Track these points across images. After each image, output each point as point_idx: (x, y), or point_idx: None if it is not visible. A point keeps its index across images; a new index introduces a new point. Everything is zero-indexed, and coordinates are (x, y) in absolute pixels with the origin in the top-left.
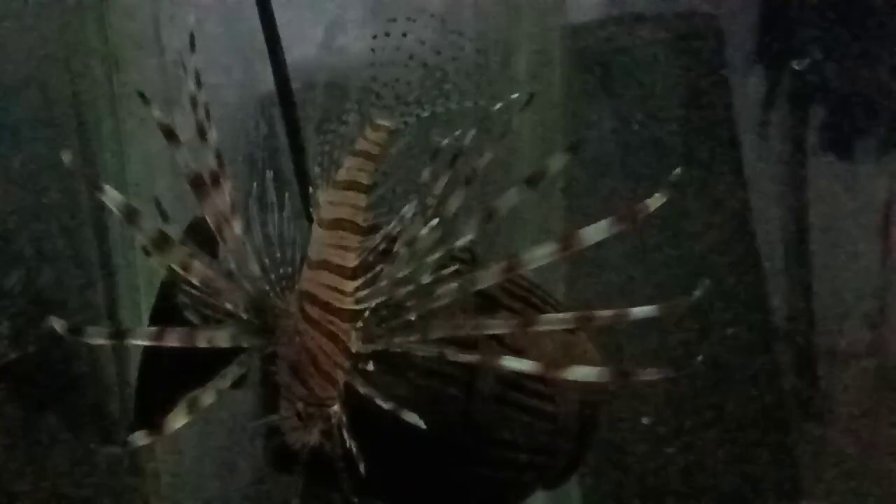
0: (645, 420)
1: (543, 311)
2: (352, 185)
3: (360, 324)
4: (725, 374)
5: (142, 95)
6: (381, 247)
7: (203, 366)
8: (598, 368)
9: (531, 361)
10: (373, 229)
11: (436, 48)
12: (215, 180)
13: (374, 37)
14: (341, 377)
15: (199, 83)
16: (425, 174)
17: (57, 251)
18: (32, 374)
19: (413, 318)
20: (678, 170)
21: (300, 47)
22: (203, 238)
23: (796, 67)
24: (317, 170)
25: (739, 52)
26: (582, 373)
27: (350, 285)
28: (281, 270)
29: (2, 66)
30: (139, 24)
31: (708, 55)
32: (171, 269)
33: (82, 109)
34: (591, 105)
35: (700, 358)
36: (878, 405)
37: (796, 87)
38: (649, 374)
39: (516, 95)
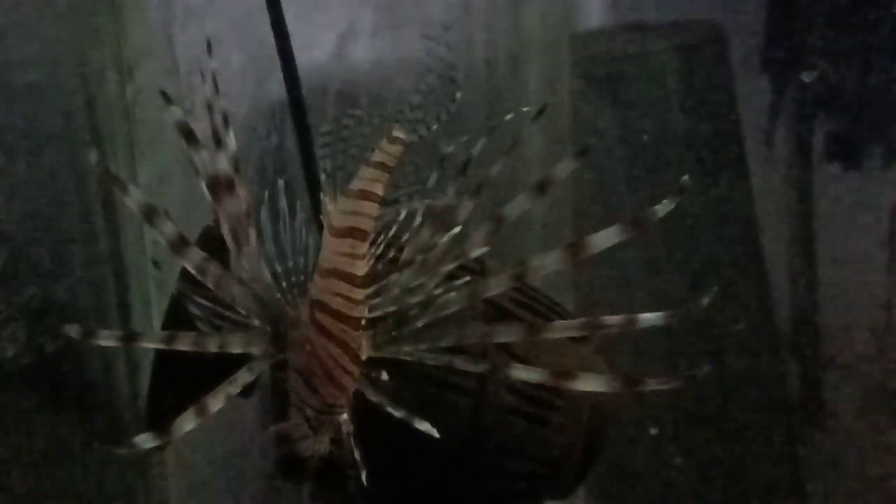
0: (652, 430)
1: (551, 320)
2: (365, 195)
3: (370, 332)
4: (731, 380)
5: (164, 95)
6: (390, 254)
7: (215, 371)
8: (607, 378)
9: (540, 370)
10: (381, 234)
11: (448, 59)
12: (232, 185)
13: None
14: (351, 385)
15: (216, 88)
16: (432, 181)
17: (71, 260)
18: (46, 378)
19: (421, 326)
20: (686, 177)
21: (311, 56)
22: (214, 247)
23: (805, 80)
24: (324, 178)
25: (746, 61)
26: (590, 382)
27: (361, 293)
28: (293, 278)
29: (16, 74)
30: (152, 34)
31: (714, 64)
32: (181, 282)
33: (95, 118)
34: (598, 113)
35: (707, 367)
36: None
37: (802, 96)
38: (657, 384)
39: (527, 109)
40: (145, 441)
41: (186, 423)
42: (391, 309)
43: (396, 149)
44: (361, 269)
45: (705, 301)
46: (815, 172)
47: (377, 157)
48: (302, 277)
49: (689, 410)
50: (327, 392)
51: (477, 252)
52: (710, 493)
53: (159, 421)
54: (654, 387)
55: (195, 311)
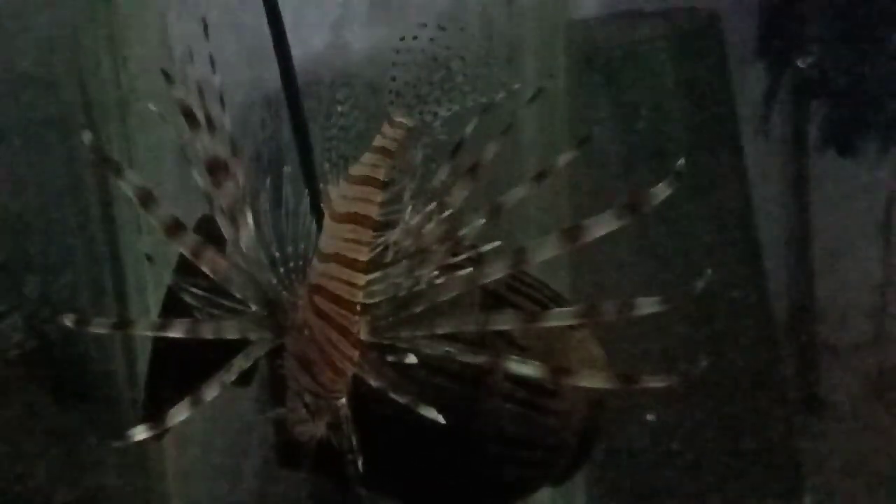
0: (649, 417)
1: (548, 307)
2: (367, 180)
3: (369, 317)
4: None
5: (165, 74)
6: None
7: (213, 360)
8: (604, 374)
9: (538, 364)
10: (388, 225)
11: (447, 46)
12: (229, 168)
13: (402, 38)
14: (350, 370)
15: (213, 69)
16: (417, 157)
17: (68, 251)
18: (45, 366)
19: (419, 312)
20: (682, 161)
21: (306, 44)
22: (211, 235)
23: (801, 65)
24: (326, 165)
25: (742, 48)
26: (587, 378)
27: (362, 278)
28: (291, 263)
29: (10, 65)
30: (147, 23)
31: (710, 51)
32: (177, 272)
33: (90, 107)
34: (594, 101)
35: (705, 363)
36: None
37: (798, 82)
38: (655, 381)
39: (518, 86)
40: (139, 432)
41: (180, 412)
42: (390, 295)
43: (398, 133)
44: (363, 254)
45: (700, 286)
46: (810, 158)
47: (379, 141)
48: (301, 262)
49: (686, 396)
50: (326, 377)
51: (489, 246)
52: (707, 478)
53: (158, 411)
54: (651, 384)
55: (191, 300)
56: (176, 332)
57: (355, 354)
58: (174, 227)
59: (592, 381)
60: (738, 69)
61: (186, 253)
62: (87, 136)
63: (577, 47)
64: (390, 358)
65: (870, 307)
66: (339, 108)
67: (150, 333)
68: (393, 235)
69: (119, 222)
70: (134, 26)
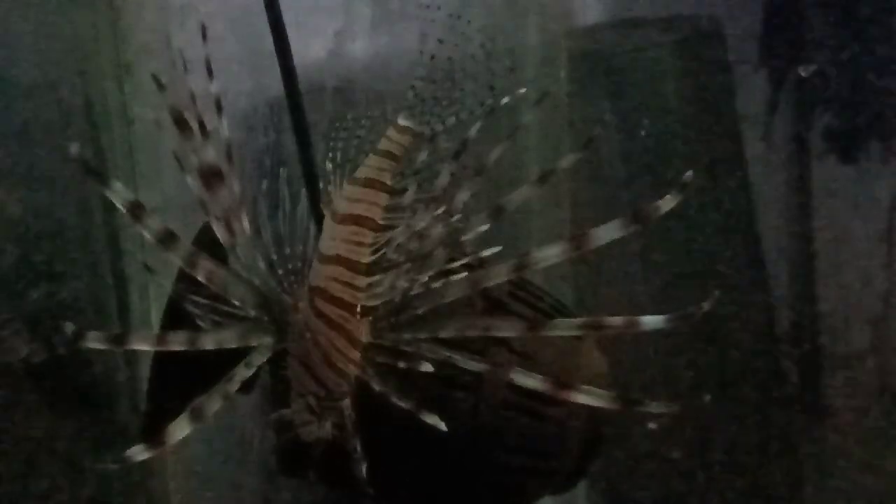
0: (651, 425)
1: (552, 317)
2: (371, 183)
3: (371, 319)
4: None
5: (156, 80)
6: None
7: (215, 372)
8: (606, 394)
9: (539, 377)
10: (390, 228)
11: (454, 50)
12: (224, 175)
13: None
14: (352, 371)
15: (210, 74)
16: (423, 158)
17: (71, 261)
18: (50, 379)
19: (422, 314)
20: (690, 173)
21: (308, 52)
22: (212, 244)
23: (802, 74)
24: (329, 167)
25: (744, 56)
26: (590, 397)
27: (363, 280)
28: (290, 266)
29: (16, 72)
30: (150, 31)
31: (712, 59)
32: (178, 282)
33: (93, 116)
34: (595, 108)
35: (708, 397)
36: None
37: (800, 90)
38: (658, 407)
39: (524, 90)
40: (137, 453)
41: (180, 429)
42: (391, 297)
43: (404, 138)
44: (365, 256)
45: (707, 306)
46: (813, 166)
47: (384, 145)
48: (300, 264)
49: (688, 404)
50: (329, 378)
51: (489, 252)
52: (708, 487)
53: (159, 425)
54: (653, 410)
55: (193, 309)
56: (175, 346)
57: (357, 356)
58: (166, 238)
59: (594, 399)
60: (741, 76)
61: (180, 262)
62: (74, 148)
63: (579, 54)
64: (401, 364)
65: (873, 315)
66: (365, 122)
67: (147, 347)
68: (396, 238)
69: (122, 232)
70: (138, 34)
